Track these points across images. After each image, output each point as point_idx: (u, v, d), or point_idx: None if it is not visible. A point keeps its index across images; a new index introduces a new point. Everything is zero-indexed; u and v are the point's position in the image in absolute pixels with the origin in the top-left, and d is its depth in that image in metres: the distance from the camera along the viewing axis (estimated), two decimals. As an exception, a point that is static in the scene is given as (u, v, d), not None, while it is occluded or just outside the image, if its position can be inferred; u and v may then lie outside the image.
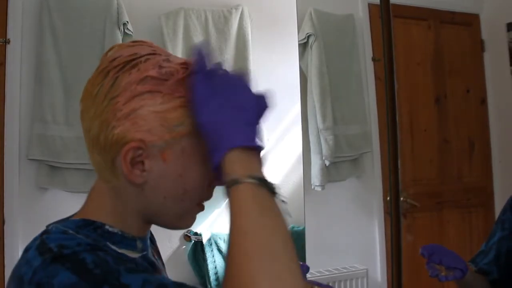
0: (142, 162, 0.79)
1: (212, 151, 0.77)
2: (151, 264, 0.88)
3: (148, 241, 0.90)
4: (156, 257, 0.96)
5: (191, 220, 0.88)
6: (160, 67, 0.80)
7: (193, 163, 0.81)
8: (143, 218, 0.85)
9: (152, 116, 0.78)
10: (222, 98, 0.79)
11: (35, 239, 0.78)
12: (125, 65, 0.80)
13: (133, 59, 0.80)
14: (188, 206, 0.84)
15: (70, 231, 0.78)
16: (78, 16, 2.60)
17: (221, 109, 0.78)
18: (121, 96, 0.78)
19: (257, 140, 0.78)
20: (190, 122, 0.79)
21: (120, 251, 0.81)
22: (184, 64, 0.82)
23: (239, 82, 0.84)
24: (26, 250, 0.76)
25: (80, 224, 0.80)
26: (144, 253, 0.87)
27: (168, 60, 0.82)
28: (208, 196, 0.87)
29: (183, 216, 0.86)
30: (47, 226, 0.83)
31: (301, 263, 0.89)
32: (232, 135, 0.76)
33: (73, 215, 0.87)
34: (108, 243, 0.80)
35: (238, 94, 0.81)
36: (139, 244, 0.85)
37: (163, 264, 1.00)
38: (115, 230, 0.82)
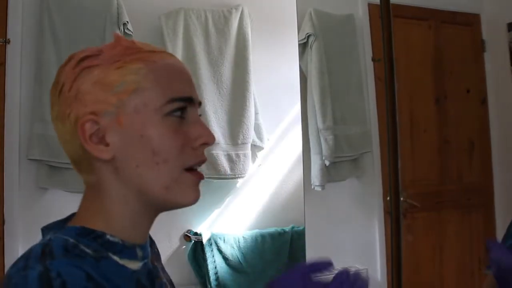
0: (103, 137, 0.80)
1: None
2: (150, 273, 0.87)
3: (148, 248, 0.89)
4: (155, 263, 0.95)
5: (187, 193, 0.84)
6: (89, 48, 0.85)
7: (151, 118, 0.80)
8: (133, 210, 0.84)
9: (93, 87, 0.80)
10: None
11: (35, 254, 0.75)
12: (65, 64, 0.85)
13: (71, 57, 0.86)
14: (170, 171, 0.81)
15: (71, 240, 0.77)
16: (78, 16, 2.60)
17: None
18: (65, 85, 0.82)
19: None
20: (132, 79, 0.81)
21: (121, 262, 0.80)
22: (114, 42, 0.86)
23: None
24: (25, 260, 0.74)
25: (80, 233, 0.80)
26: (145, 261, 0.86)
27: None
28: (195, 158, 0.85)
29: (170, 186, 0.82)
30: (44, 231, 0.84)
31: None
32: None
33: (69, 218, 0.87)
34: (109, 253, 0.79)
35: None
36: (139, 252, 0.84)
37: (162, 268, 0.99)
38: (116, 240, 0.81)
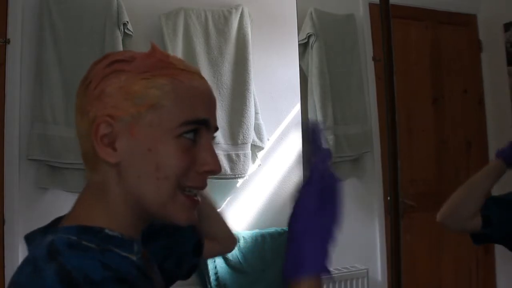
0: (113, 141, 0.81)
1: (290, 258, 0.83)
2: (146, 265, 0.89)
3: (140, 244, 0.89)
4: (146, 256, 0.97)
5: (181, 212, 0.85)
6: (126, 52, 0.87)
7: (163, 136, 0.81)
8: (132, 212, 0.84)
9: (117, 92, 0.81)
10: (320, 220, 0.85)
11: (41, 256, 0.74)
12: (98, 61, 0.86)
13: (105, 56, 0.87)
14: (168, 188, 0.82)
15: (73, 237, 0.78)
16: (78, 16, 2.59)
17: (315, 230, 0.84)
18: (93, 82, 0.83)
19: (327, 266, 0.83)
20: (154, 94, 0.81)
21: (123, 254, 0.81)
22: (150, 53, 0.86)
23: (338, 208, 0.92)
24: (33, 265, 0.73)
25: (79, 230, 0.80)
26: (139, 255, 0.86)
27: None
28: (195, 182, 0.85)
29: (166, 203, 0.83)
30: (29, 238, 0.84)
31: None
32: (314, 263, 0.81)
33: (58, 220, 0.87)
34: (110, 246, 0.80)
35: (332, 222, 0.89)
36: (135, 247, 0.85)
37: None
38: (115, 234, 0.82)
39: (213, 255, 1.37)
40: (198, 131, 0.84)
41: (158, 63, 0.84)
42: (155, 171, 0.81)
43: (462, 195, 1.61)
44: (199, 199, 0.88)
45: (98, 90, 0.82)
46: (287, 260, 0.83)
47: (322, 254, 0.83)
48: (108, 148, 0.81)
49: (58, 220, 0.87)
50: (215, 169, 0.85)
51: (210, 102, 0.87)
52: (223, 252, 1.40)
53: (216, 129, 0.90)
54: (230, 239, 1.35)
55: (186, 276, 1.19)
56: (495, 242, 1.59)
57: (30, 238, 0.84)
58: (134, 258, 0.83)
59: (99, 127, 0.80)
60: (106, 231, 0.81)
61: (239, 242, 2.80)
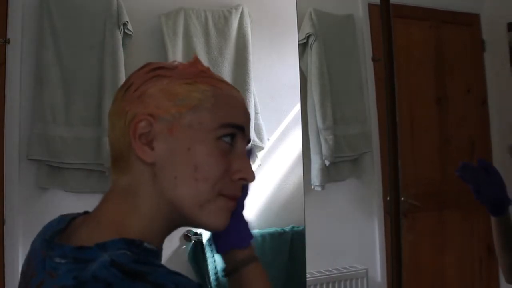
0: (152, 140, 0.82)
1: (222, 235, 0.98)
2: None
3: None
4: None
5: (220, 215, 0.85)
6: (166, 62, 0.90)
7: (202, 137, 0.82)
8: (163, 217, 0.84)
9: (159, 93, 0.83)
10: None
11: (113, 280, 0.69)
12: (140, 68, 0.90)
13: (147, 64, 0.90)
14: (207, 191, 0.82)
15: (128, 253, 0.75)
16: (78, 16, 2.60)
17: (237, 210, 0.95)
18: (134, 85, 0.85)
19: None
20: (196, 97, 0.84)
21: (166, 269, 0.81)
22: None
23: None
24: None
25: (124, 245, 0.76)
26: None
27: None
28: (231, 189, 0.85)
29: (204, 205, 0.82)
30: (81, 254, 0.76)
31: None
32: (244, 235, 1.03)
33: (69, 220, 0.87)
34: (151, 259, 0.79)
35: (245, 197, 1.01)
36: (160, 258, 0.86)
37: None
38: (153, 247, 0.81)
39: None
40: (235, 136, 0.86)
41: (200, 72, 0.87)
42: (194, 172, 0.81)
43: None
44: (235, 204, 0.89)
45: (140, 91, 0.84)
46: (220, 237, 0.98)
47: (245, 226, 1.02)
48: (146, 147, 0.82)
49: (69, 219, 0.88)
50: (249, 178, 0.88)
51: (246, 113, 0.90)
52: None
53: (249, 141, 0.93)
54: None
55: None
56: None
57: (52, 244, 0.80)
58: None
59: (138, 124, 0.82)
60: (145, 244, 0.79)
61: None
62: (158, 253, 0.83)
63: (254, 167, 2.93)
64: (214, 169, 0.82)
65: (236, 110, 0.87)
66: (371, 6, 3.11)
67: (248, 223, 1.03)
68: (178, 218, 0.85)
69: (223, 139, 0.84)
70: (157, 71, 0.86)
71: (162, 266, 0.76)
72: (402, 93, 2.86)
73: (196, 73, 0.87)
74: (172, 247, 2.80)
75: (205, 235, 2.76)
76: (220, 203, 0.84)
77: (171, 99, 0.83)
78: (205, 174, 0.82)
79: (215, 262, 2.75)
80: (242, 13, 2.89)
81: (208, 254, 2.75)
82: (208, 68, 0.90)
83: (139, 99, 0.83)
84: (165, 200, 0.82)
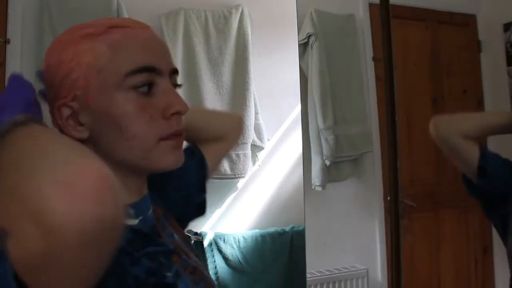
0: (77, 118, 0.82)
1: None
2: (153, 227, 0.90)
3: (145, 204, 0.90)
4: (160, 216, 0.97)
5: (166, 158, 0.85)
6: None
7: (112, 96, 0.81)
8: (119, 175, 0.80)
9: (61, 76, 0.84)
10: None
11: None
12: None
13: None
14: (141, 144, 0.82)
15: None
16: (78, 16, 2.56)
17: None
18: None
19: None
20: (87, 59, 0.82)
21: None
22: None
23: None
24: None
25: None
26: (141, 217, 0.87)
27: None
28: (168, 128, 0.84)
29: (146, 156, 0.83)
30: None
31: None
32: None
33: None
34: None
35: None
36: (130, 211, 0.85)
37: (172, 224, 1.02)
38: None
39: (222, 156, 1.27)
40: (152, 81, 0.83)
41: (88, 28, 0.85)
42: (121, 133, 0.81)
43: (466, 113, 1.60)
44: (183, 136, 0.89)
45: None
46: None
47: None
48: (76, 125, 0.82)
49: None
50: (182, 109, 0.85)
51: (154, 48, 0.86)
52: (231, 146, 1.27)
53: (175, 71, 0.90)
54: (232, 125, 1.29)
55: (196, 215, 1.18)
56: (485, 197, 1.57)
57: None
58: (130, 222, 0.84)
59: (60, 110, 0.82)
60: None
61: (239, 242, 2.80)
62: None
63: (254, 167, 2.93)
64: (138, 124, 0.82)
65: (139, 52, 0.83)
66: (371, 6, 3.13)
67: None
68: (132, 170, 0.86)
69: (137, 89, 0.82)
70: (58, 58, 0.84)
71: None
72: (399, 93, 2.87)
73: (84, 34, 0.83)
74: (172, 247, 2.79)
75: (205, 235, 2.75)
76: (163, 147, 0.84)
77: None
78: (132, 132, 0.81)
79: (215, 262, 2.75)
80: (242, 13, 2.88)
81: (208, 254, 2.74)
82: (109, 18, 0.88)
83: (52, 88, 0.84)
84: (112, 162, 0.80)
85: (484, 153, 1.50)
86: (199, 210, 1.18)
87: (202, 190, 1.16)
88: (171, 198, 1.07)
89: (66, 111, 0.82)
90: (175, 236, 0.97)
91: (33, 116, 0.70)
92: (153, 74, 0.83)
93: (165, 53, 0.88)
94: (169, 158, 0.85)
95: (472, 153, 1.50)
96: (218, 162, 1.24)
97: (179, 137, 0.87)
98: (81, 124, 0.82)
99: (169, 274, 0.85)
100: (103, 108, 0.81)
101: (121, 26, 0.84)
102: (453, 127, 1.53)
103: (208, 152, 1.17)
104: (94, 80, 0.81)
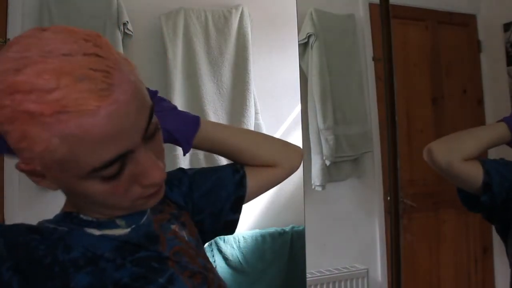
0: (40, 172, 0.74)
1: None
2: (148, 233, 0.89)
3: (138, 215, 0.88)
4: (162, 222, 0.96)
5: (142, 205, 0.82)
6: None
7: (78, 181, 0.73)
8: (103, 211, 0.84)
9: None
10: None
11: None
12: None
13: None
14: (117, 207, 0.80)
15: (51, 225, 0.83)
16: (78, 16, 2.58)
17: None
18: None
19: None
20: (41, 151, 0.70)
21: (99, 233, 0.83)
22: None
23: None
24: None
25: (62, 217, 0.84)
26: (133, 226, 0.86)
27: None
28: (142, 194, 0.78)
29: (125, 208, 0.81)
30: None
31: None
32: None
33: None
34: (85, 228, 0.82)
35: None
36: (120, 222, 0.85)
37: (182, 223, 1.01)
38: (90, 218, 0.83)
39: (275, 182, 1.17)
40: (123, 165, 0.73)
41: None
42: (94, 203, 0.78)
43: (461, 134, 1.58)
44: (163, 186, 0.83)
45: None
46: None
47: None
48: (39, 178, 0.75)
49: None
50: (157, 180, 0.77)
51: (121, 125, 0.69)
52: (287, 173, 1.17)
53: (148, 127, 0.75)
54: (286, 156, 1.18)
55: (224, 232, 1.13)
56: (488, 210, 1.56)
57: None
58: (120, 232, 0.85)
59: (20, 168, 0.74)
60: (81, 216, 0.83)
61: (239, 242, 2.80)
62: (98, 222, 0.83)
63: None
64: (111, 199, 0.76)
65: (103, 145, 0.68)
66: (371, 6, 3.13)
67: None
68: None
69: (105, 177, 0.72)
70: (2, 127, 0.69)
71: (83, 230, 0.83)
72: (399, 93, 2.88)
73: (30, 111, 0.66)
74: (172, 247, 2.79)
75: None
76: (139, 201, 0.80)
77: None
78: (106, 203, 0.77)
79: (215, 262, 2.75)
80: (242, 13, 2.88)
81: (208, 254, 2.73)
82: (55, 78, 0.65)
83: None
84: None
85: (487, 169, 1.49)
86: (228, 228, 1.12)
87: (235, 209, 1.10)
88: (195, 203, 1.05)
89: (28, 169, 0.73)
90: (184, 237, 0.96)
91: None
92: (124, 158, 0.72)
93: (136, 118, 0.72)
94: (146, 204, 0.83)
95: (475, 172, 1.48)
96: (263, 187, 1.15)
97: (160, 190, 0.82)
98: (44, 176, 0.75)
99: (160, 279, 0.85)
100: (70, 187, 0.75)
101: (72, 111, 0.65)
102: (453, 155, 1.51)
103: (254, 175, 1.12)
104: (52, 165, 0.70)
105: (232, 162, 1.15)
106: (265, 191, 1.16)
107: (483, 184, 1.46)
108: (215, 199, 1.07)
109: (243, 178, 1.10)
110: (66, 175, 0.72)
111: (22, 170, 0.74)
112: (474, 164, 1.48)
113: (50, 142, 0.67)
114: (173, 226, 0.97)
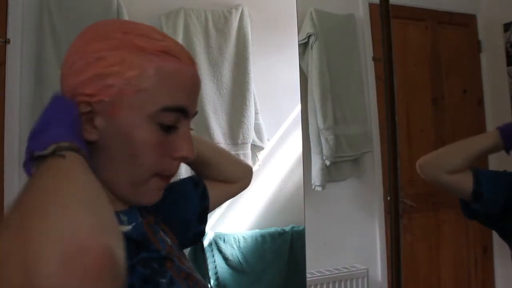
0: (93, 119, 0.79)
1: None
2: (144, 234, 0.89)
3: (136, 212, 0.90)
4: (153, 223, 0.97)
5: (151, 194, 0.85)
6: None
7: (141, 122, 0.79)
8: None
9: (95, 77, 0.79)
10: None
11: None
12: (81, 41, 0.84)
13: None
14: (141, 174, 0.82)
15: None
16: (78, 16, 2.58)
17: None
18: (75, 63, 0.81)
19: None
20: (134, 77, 0.80)
21: None
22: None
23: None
24: None
25: None
26: (134, 223, 0.87)
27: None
28: (169, 169, 0.84)
29: (136, 185, 0.83)
30: None
31: None
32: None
33: None
34: None
35: None
36: (123, 218, 0.85)
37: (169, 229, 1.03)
38: None
39: (229, 197, 1.26)
40: (178, 122, 0.83)
41: (148, 44, 0.82)
42: (130, 157, 0.80)
43: (449, 147, 1.61)
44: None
45: (79, 69, 0.81)
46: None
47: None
48: (87, 126, 0.79)
49: None
50: (188, 156, 0.85)
51: (193, 90, 0.85)
52: (241, 190, 1.27)
53: (195, 113, 0.89)
54: (243, 174, 1.27)
55: (191, 243, 1.18)
56: (483, 218, 1.57)
57: None
58: (123, 229, 0.83)
59: (78, 105, 0.79)
60: None
61: (239, 242, 2.80)
62: None
63: (254, 167, 2.93)
64: (151, 157, 0.81)
65: (180, 89, 0.82)
66: (371, 6, 3.13)
67: None
68: (112, 194, 0.85)
69: (163, 124, 0.81)
70: (100, 52, 0.79)
71: None
72: (399, 93, 2.88)
73: (141, 47, 0.80)
74: (172, 247, 2.79)
75: (205, 235, 2.75)
76: (153, 184, 0.84)
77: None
78: (141, 160, 0.80)
79: (215, 262, 2.75)
80: (242, 13, 2.88)
81: (208, 254, 2.74)
82: (163, 36, 0.83)
83: (79, 78, 0.79)
84: (100, 174, 0.79)
85: (477, 178, 1.51)
86: (195, 239, 1.17)
87: (201, 221, 1.15)
88: (166, 211, 1.06)
89: (84, 108, 0.79)
90: (167, 241, 0.97)
91: (76, 145, 0.67)
92: (181, 116, 0.84)
93: (197, 96, 0.88)
94: (153, 195, 0.85)
95: (465, 182, 1.52)
96: (221, 201, 1.23)
97: (169, 180, 0.88)
98: (94, 127, 0.79)
99: (163, 280, 0.85)
100: (125, 127, 0.79)
101: (174, 55, 0.82)
102: (439, 168, 1.57)
103: (213, 188, 1.17)
104: (129, 97, 0.79)
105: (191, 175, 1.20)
106: (220, 205, 1.24)
107: (472, 193, 1.49)
108: (183, 211, 1.11)
109: (205, 190, 1.15)
110: (133, 112, 0.79)
111: (77, 104, 0.78)
112: (465, 175, 1.52)
113: (145, 70, 0.79)
114: (159, 229, 0.98)
